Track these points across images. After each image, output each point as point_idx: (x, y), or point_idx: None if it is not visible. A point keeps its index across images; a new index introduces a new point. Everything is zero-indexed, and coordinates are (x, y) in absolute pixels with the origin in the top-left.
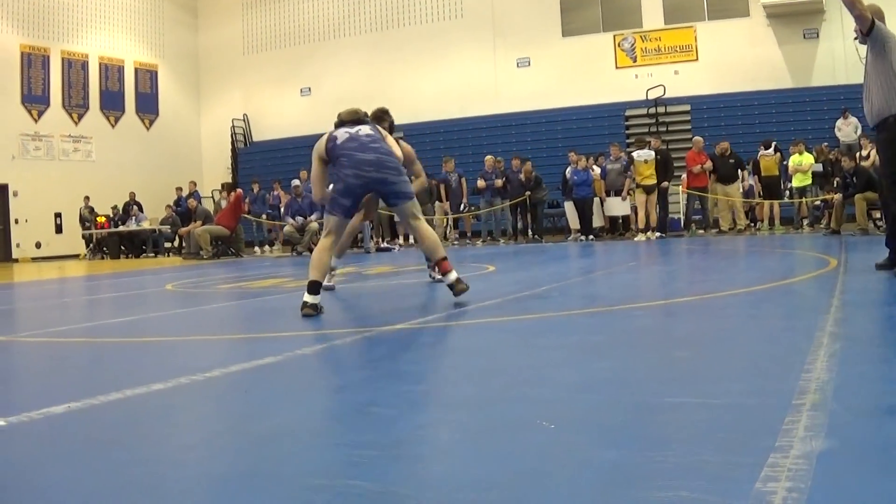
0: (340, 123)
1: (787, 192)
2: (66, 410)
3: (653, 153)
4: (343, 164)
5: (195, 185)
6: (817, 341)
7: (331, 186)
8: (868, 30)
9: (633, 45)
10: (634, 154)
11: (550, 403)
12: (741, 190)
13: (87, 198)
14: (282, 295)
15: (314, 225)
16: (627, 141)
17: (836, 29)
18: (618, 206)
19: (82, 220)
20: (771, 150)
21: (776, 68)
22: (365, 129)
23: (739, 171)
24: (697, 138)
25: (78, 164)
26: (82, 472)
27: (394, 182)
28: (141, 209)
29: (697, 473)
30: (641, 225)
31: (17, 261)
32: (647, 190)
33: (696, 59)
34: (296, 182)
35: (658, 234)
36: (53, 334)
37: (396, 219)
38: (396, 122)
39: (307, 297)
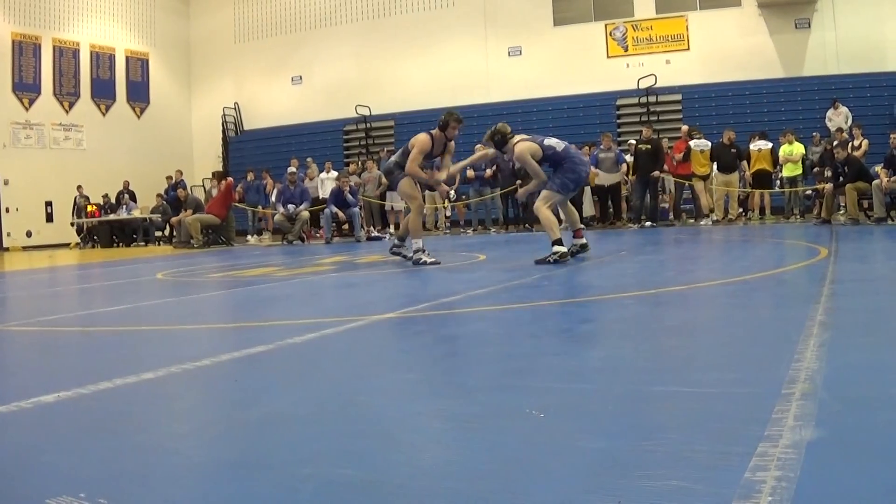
0: (512, 134)
1: (778, 182)
2: (57, 400)
3: (709, 143)
4: (577, 162)
5: (181, 173)
6: (807, 331)
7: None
8: None
9: (624, 34)
10: (692, 143)
11: (540, 392)
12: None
13: (79, 187)
14: (272, 284)
15: (305, 214)
16: (619, 130)
17: (828, 19)
18: (607, 177)
19: (77, 208)
20: (764, 143)
21: (767, 58)
22: None
23: (739, 160)
24: (684, 127)
25: (69, 152)
26: (73, 460)
27: None
28: (133, 198)
29: (687, 462)
30: (706, 210)
31: (7, 249)
32: (703, 178)
33: (688, 49)
34: (291, 169)
35: (649, 223)
36: (44, 323)
37: (387, 208)
38: (387, 111)
39: (560, 248)
